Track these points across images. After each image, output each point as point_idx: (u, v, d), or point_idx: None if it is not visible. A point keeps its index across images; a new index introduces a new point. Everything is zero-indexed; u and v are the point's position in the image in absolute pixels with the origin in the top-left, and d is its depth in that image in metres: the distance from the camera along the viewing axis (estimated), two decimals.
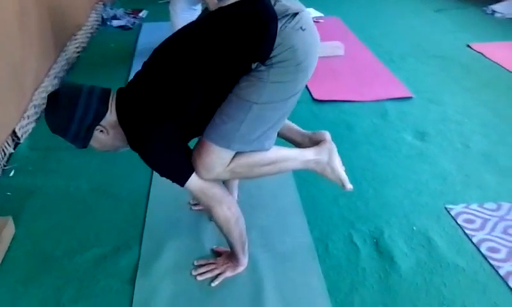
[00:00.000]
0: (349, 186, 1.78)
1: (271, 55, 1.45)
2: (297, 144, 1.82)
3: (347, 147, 2.57)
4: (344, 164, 1.79)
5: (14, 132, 2.54)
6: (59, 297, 1.72)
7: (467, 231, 2.00)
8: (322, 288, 1.74)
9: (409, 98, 3.15)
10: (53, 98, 1.57)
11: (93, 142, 1.63)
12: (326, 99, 3.03)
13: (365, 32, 4.32)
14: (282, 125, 1.72)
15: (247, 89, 1.49)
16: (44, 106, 2.91)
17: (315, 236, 1.99)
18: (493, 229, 2.01)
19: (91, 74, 3.44)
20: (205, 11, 3.56)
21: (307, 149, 1.74)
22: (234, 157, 1.58)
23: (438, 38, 4.26)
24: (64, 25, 3.53)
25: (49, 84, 3.07)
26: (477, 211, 2.11)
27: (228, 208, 1.66)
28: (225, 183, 1.96)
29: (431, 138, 2.69)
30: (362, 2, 5.34)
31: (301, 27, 1.47)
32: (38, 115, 2.87)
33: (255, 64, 1.48)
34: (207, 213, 2.08)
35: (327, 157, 1.74)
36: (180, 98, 1.52)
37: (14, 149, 2.54)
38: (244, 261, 1.81)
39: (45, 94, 2.99)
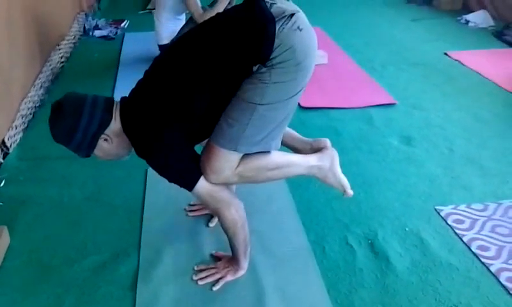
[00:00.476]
0: (350, 191, 1.82)
1: (271, 56, 1.49)
2: (299, 152, 1.85)
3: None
4: None
5: (3, 142, 2.51)
6: (60, 305, 1.71)
7: (457, 231, 2.06)
8: (322, 289, 1.78)
9: (393, 104, 3.24)
10: (57, 108, 1.58)
11: (96, 151, 1.64)
12: (313, 106, 3.08)
13: (345, 42, 4.41)
14: (285, 133, 1.75)
15: (250, 91, 1.53)
16: (31, 116, 2.92)
17: (311, 239, 2.03)
18: (481, 228, 2.08)
19: (76, 84, 3.42)
20: (190, 20, 3.61)
21: (310, 155, 1.78)
22: (242, 160, 1.61)
23: (416, 47, 4.38)
24: (49, 35, 3.52)
25: (35, 94, 3.05)
26: (466, 211, 2.18)
27: (235, 211, 1.69)
28: None
29: (417, 142, 2.77)
30: (340, 12, 5.45)
31: (298, 27, 1.51)
32: (26, 125, 2.84)
33: (256, 66, 1.51)
34: (206, 217, 2.11)
35: (329, 163, 1.78)
36: (185, 103, 1.54)
37: (3, 159, 2.50)
38: (245, 265, 1.83)
39: (31, 104, 2.97)
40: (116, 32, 4.50)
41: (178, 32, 3.64)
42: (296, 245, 1.99)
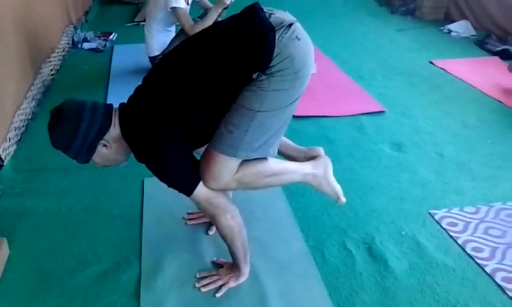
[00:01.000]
0: (343, 199, 1.87)
1: (271, 64, 1.53)
2: (293, 160, 1.89)
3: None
4: None
5: None
6: None
7: (452, 234, 2.11)
8: (323, 292, 1.81)
9: (382, 112, 3.30)
10: (57, 114, 1.59)
11: (95, 157, 1.65)
12: (305, 115, 3.13)
13: (333, 51, 4.47)
14: (280, 141, 1.79)
15: (249, 98, 1.56)
16: (24, 129, 2.91)
17: (310, 244, 2.06)
18: (475, 230, 2.14)
19: (68, 96, 3.32)
20: (181, 32, 3.65)
21: (305, 163, 1.83)
22: (240, 166, 1.64)
23: (402, 56, 4.47)
24: (40, 48, 3.51)
25: (28, 106, 3.04)
26: (459, 215, 2.24)
27: (232, 217, 1.71)
28: None
29: (407, 149, 2.83)
30: (327, 22, 5.52)
31: (296, 37, 1.56)
32: (19, 137, 2.83)
33: (256, 74, 1.55)
34: (205, 226, 2.13)
35: (323, 171, 1.82)
36: (185, 109, 1.57)
37: None
38: (246, 270, 1.86)
39: (24, 117, 2.96)
40: (105, 45, 4.50)
41: (169, 44, 3.68)
42: (295, 250, 2.02)
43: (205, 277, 1.86)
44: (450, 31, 5.20)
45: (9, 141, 2.67)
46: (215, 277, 1.84)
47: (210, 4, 3.73)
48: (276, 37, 1.52)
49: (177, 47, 1.71)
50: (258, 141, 1.61)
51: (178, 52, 1.68)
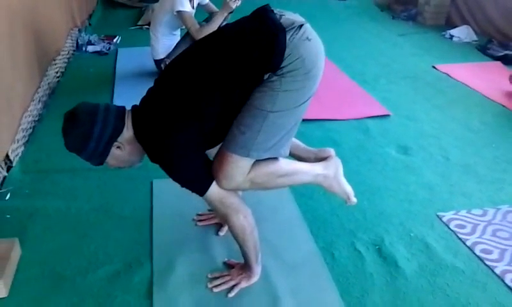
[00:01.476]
0: (354, 199, 1.88)
1: (282, 65, 1.54)
2: (303, 161, 1.90)
3: None
4: None
5: (7, 156, 2.50)
6: None
7: (460, 236, 2.13)
8: (335, 293, 1.82)
9: (387, 115, 3.32)
10: (71, 117, 1.60)
11: (109, 159, 1.67)
12: (311, 118, 3.14)
13: (336, 56, 4.49)
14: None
15: (261, 99, 1.57)
16: (31, 130, 2.92)
17: (319, 246, 2.07)
18: (483, 232, 2.15)
19: (73, 98, 3.33)
20: (186, 35, 3.66)
21: (316, 164, 1.84)
22: (253, 167, 1.65)
23: (405, 60, 4.50)
24: (46, 50, 3.52)
25: (34, 108, 3.05)
26: (466, 217, 2.25)
27: (244, 217, 1.72)
28: None
29: (413, 152, 2.85)
30: (329, 27, 5.55)
31: (307, 38, 1.58)
32: (26, 139, 2.84)
33: (267, 74, 1.56)
34: (215, 227, 2.14)
35: (333, 172, 1.84)
36: (198, 110, 1.58)
37: (7, 172, 2.50)
38: (258, 270, 1.86)
39: (31, 119, 2.97)
40: (109, 48, 4.51)
41: (175, 47, 3.69)
42: (305, 251, 2.03)
43: (217, 277, 1.86)
44: (451, 36, 5.24)
45: (17, 142, 2.67)
46: (227, 278, 1.85)
47: (215, 8, 3.75)
48: (287, 38, 1.54)
49: (189, 48, 1.73)
50: (270, 141, 1.62)
51: (190, 53, 1.69)
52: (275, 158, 1.69)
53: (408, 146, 2.91)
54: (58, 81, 3.74)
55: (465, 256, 2.02)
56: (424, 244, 2.09)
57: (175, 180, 1.65)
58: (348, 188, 1.87)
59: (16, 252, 1.94)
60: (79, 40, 4.48)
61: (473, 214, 2.28)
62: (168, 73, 1.70)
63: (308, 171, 1.80)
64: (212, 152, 1.72)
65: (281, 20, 1.57)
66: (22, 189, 2.41)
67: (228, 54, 1.58)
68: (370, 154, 2.82)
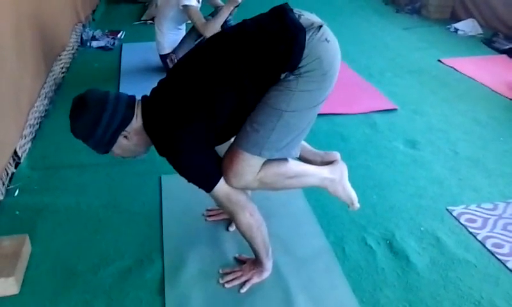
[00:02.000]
0: (357, 205, 1.89)
1: (300, 65, 1.53)
2: (309, 163, 1.89)
3: (345, 157, 2.60)
4: None
5: (15, 152, 2.50)
6: None
7: (471, 230, 2.12)
8: (347, 288, 1.82)
9: (394, 110, 3.31)
10: (80, 103, 1.58)
11: (115, 148, 1.65)
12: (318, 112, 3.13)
13: (341, 50, 4.41)
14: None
15: (277, 98, 1.56)
16: (37, 126, 2.91)
17: (330, 240, 2.07)
18: (494, 226, 2.15)
19: (79, 93, 3.41)
20: (192, 30, 3.65)
21: (323, 167, 1.83)
22: (263, 166, 1.64)
23: (410, 54, 4.48)
24: (51, 45, 3.51)
25: (41, 104, 3.04)
26: (477, 211, 2.25)
27: (250, 215, 1.71)
28: None
29: (422, 146, 2.84)
30: (334, 21, 5.45)
31: (326, 39, 1.56)
32: (34, 135, 2.83)
33: (284, 74, 1.55)
34: (225, 222, 2.13)
35: (339, 176, 1.84)
36: (210, 105, 1.56)
37: (15, 168, 2.50)
38: (269, 265, 1.86)
39: (38, 114, 2.96)
40: (114, 43, 4.50)
41: (181, 42, 3.68)
42: (316, 246, 2.03)
43: (229, 273, 1.86)
44: (456, 30, 5.21)
45: (25, 138, 2.67)
46: (238, 273, 1.85)
47: (220, 2, 3.73)
48: (307, 38, 1.52)
49: (206, 42, 1.69)
50: (283, 141, 1.61)
51: (206, 47, 1.66)
52: (285, 159, 1.69)
53: (416, 140, 2.90)
54: (63, 77, 3.74)
55: (476, 250, 2.02)
56: (434, 238, 2.08)
57: (182, 174, 1.64)
58: (352, 194, 1.88)
59: (27, 249, 1.94)
60: (83, 36, 4.46)
61: (484, 208, 2.27)
62: (182, 66, 1.67)
63: (315, 173, 1.80)
64: (220, 149, 1.71)
65: (301, 20, 1.56)
66: (30, 185, 2.41)
67: (247, 52, 1.56)
68: (379, 148, 2.81)
